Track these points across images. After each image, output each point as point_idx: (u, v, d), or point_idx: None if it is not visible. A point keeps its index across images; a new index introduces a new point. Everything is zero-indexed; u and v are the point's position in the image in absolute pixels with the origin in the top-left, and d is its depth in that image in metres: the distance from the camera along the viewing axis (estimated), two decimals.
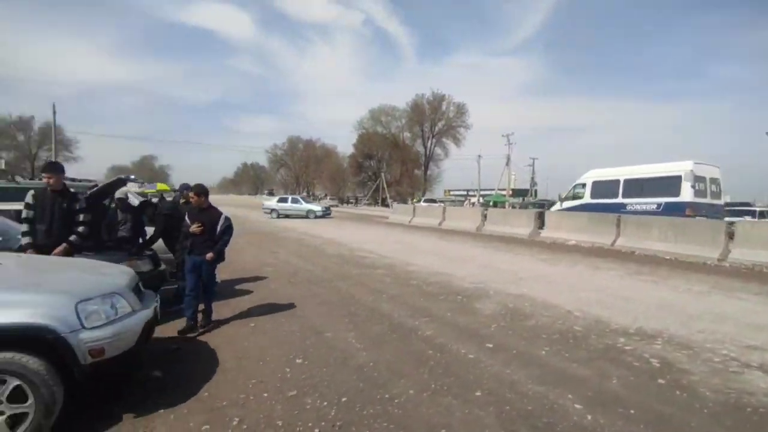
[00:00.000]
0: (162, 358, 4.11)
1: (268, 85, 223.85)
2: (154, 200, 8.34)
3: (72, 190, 4.97)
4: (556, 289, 7.40)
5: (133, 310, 3.24)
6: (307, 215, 28.03)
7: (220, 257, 5.24)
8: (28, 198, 4.45)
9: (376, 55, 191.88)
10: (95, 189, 5.72)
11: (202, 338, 4.79)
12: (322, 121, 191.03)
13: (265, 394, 3.43)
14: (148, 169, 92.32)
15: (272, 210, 28.89)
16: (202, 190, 5.13)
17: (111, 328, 2.93)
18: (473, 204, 50.29)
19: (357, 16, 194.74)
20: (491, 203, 44.67)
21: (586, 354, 4.37)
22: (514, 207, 38.19)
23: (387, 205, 54.33)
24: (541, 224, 15.99)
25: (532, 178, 60.13)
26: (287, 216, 27.95)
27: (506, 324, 5.38)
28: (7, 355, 2.56)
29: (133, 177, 6.79)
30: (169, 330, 4.86)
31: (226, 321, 5.42)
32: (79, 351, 2.75)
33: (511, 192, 55.19)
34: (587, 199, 18.10)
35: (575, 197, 18.83)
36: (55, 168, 4.64)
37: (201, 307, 5.18)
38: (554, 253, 12.15)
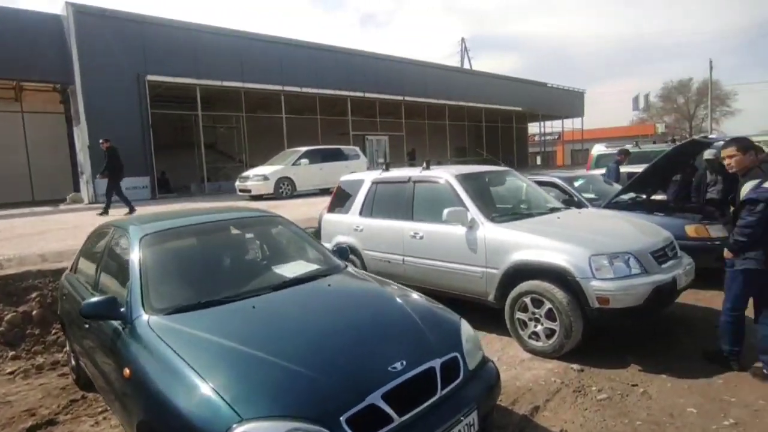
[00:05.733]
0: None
1: None
2: None
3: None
4: None
5: (645, 272, 3.44)
6: None
7: None
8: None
9: None
10: (674, 149, 5.86)
11: None
12: None
13: None
14: None
15: None
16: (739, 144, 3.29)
17: (617, 283, 3.33)
18: None
19: None
20: None
21: None
22: None
23: None
24: None
25: None
26: None
27: None
28: (547, 285, 3.58)
29: (710, 136, 6.26)
30: None
31: None
32: (589, 295, 3.38)
33: None
34: None
35: None
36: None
37: None
38: None
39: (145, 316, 2.39)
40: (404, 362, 2.05)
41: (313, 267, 3.13)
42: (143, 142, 16.33)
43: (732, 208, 3.45)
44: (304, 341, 2.17)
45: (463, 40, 41.86)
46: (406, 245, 4.80)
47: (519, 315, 3.80)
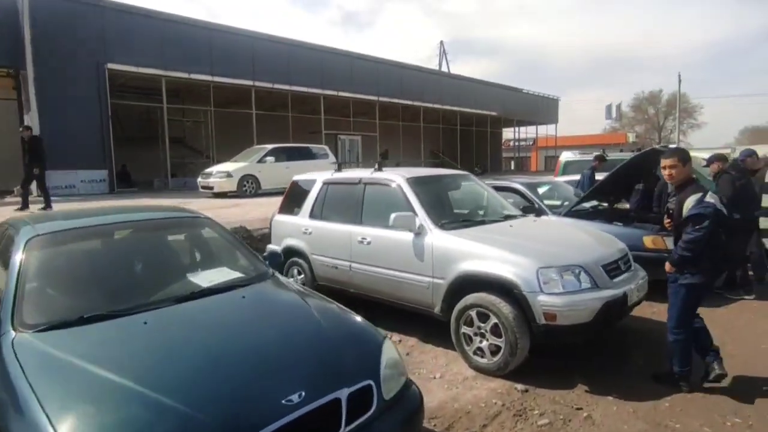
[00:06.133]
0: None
1: None
2: None
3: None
4: None
5: (595, 286, 3.25)
6: None
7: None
8: None
9: None
10: (634, 157, 5.77)
11: None
12: None
13: None
14: None
15: None
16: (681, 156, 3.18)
17: (565, 298, 3.12)
18: None
19: None
20: None
21: None
22: None
23: None
24: None
25: None
26: None
27: None
28: (493, 298, 3.34)
29: (670, 146, 6.22)
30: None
31: None
32: (536, 310, 3.15)
33: None
34: None
35: None
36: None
37: None
38: None
39: (12, 333, 2.03)
40: (303, 393, 1.76)
41: (234, 275, 2.81)
42: (101, 133, 15.54)
43: (667, 219, 3.34)
44: (190, 367, 1.85)
45: (441, 43, 41.99)
46: (354, 251, 4.51)
47: (464, 329, 3.56)
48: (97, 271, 2.64)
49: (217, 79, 17.65)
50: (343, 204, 4.84)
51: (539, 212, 5.67)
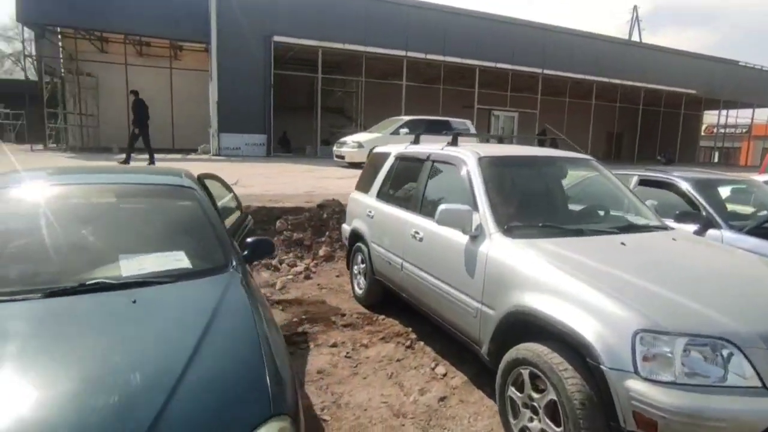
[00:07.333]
0: None
1: None
2: None
3: None
4: None
5: (763, 387, 1.68)
6: None
7: None
8: None
9: None
10: None
11: None
12: None
13: None
14: None
15: None
16: None
17: (688, 398, 1.66)
18: None
19: None
20: None
21: None
22: None
23: None
24: None
25: None
26: None
27: None
28: (556, 360, 2.02)
29: None
30: None
31: None
32: (620, 404, 1.77)
33: None
34: None
35: None
36: None
37: None
38: None
39: None
40: None
41: (174, 265, 2.13)
42: (264, 101, 16.92)
43: None
44: None
45: (635, 8, 35.54)
46: (407, 246, 3.51)
47: (512, 392, 2.31)
48: (26, 238, 2.21)
49: (369, 49, 17.60)
50: (408, 185, 3.84)
51: (706, 224, 3.77)
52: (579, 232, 2.70)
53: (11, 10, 15.19)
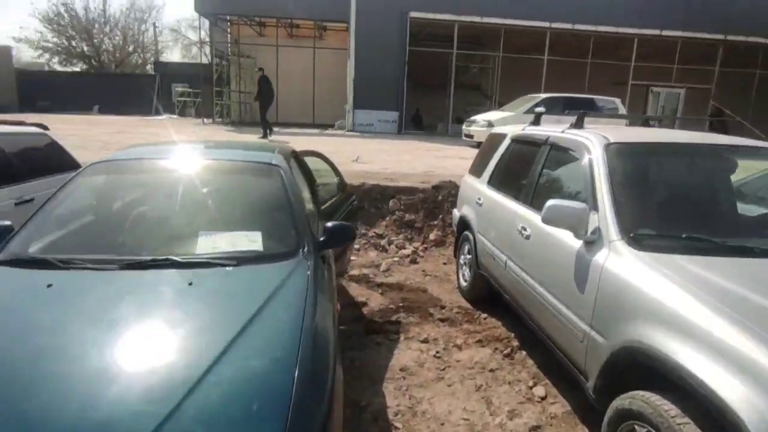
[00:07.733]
0: None
1: None
2: None
3: None
4: None
5: None
6: None
7: None
8: None
9: None
10: None
11: None
12: None
13: None
14: None
15: None
16: None
17: None
18: None
19: None
20: None
21: None
22: None
23: None
24: None
25: None
26: None
27: None
28: (679, 420, 1.49)
29: None
30: None
31: None
32: None
33: None
34: None
35: None
36: None
37: None
38: None
39: None
40: None
41: (248, 247, 2.08)
42: (398, 79, 16.97)
43: None
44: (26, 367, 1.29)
45: None
46: (512, 242, 3.06)
47: None
48: (124, 210, 2.37)
49: (508, 21, 16.37)
50: (522, 171, 3.34)
51: None
52: (745, 251, 1.97)
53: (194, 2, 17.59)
